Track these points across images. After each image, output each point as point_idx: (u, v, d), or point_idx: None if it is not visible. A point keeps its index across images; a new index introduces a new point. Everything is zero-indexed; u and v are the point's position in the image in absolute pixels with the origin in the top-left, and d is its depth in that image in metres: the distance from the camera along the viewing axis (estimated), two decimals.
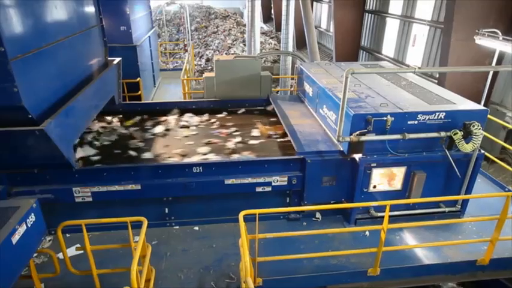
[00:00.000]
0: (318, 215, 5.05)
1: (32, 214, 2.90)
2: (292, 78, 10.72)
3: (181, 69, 10.19)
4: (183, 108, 6.82)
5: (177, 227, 4.97)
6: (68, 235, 4.58)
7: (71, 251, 4.31)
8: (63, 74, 4.52)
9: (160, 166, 4.75)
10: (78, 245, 4.37)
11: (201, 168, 4.72)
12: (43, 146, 3.81)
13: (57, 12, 4.37)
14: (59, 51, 4.33)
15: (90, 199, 4.54)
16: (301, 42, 20.14)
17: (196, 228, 4.96)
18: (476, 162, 4.93)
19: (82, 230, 3.45)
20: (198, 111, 6.73)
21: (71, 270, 3.68)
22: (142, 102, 8.73)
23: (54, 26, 4.31)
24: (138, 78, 9.29)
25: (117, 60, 6.34)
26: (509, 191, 5.60)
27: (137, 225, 3.58)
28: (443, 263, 4.40)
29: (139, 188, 4.58)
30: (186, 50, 16.44)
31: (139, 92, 9.33)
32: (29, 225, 2.84)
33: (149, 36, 11.43)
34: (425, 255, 4.49)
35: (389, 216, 4.49)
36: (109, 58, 6.25)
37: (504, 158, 7.91)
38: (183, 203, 4.90)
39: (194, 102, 7.14)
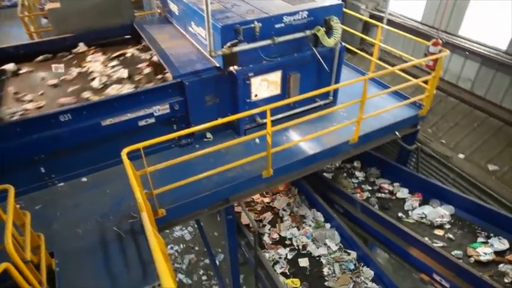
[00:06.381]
0: (208, 135, 5.09)
1: None
2: None
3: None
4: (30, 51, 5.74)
5: (62, 183, 4.51)
6: None
7: None
8: None
9: (17, 123, 4.06)
10: None
11: (69, 115, 4.18)
12: None
13: None
14: None
15: None
16: None
17: (84, 179, 4.58)
18: (340, 55, 5.39)
19: None
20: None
21: None
22: None
23: None
24: None
25: None
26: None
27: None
28: (324, 149, 4.99)
29: None
30: None
31: None
32: None
33: None
34: (309, 147, 5.00)
35: (274, 120, 4.77)
36: None
37: (363, 48, 8.83)
38: (60, 157, 4.39)
39: (43, 43, 6.02)
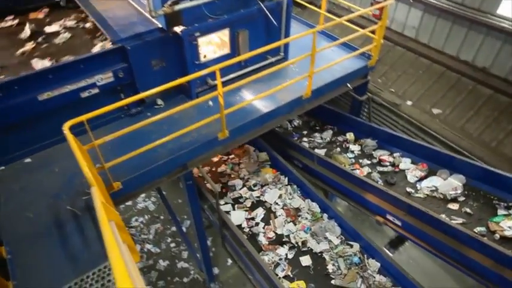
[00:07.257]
0: (159, 101, 4.88)
1: None
2: None
3: None
4: None
5: (3, 167, 4.17)
6: None
7: None
8: None
9: None
10: None
11: None
12: None
13: None
14: None
15: None
16: None
17: (28, 160, 4.27)
18: (287, 9, 5.25)
19: None
20: None
21: None
22: None
23: None
24: None
25: None
26: None
27: None
28: (279, 106, 4.99)
29: None
30: None
31: None
32: None
33: None
34: (263, 105, 4.97)
35: (226, 81, 4.63)
36: None
37: (312, 1, 8.68)
38: None
39: None
